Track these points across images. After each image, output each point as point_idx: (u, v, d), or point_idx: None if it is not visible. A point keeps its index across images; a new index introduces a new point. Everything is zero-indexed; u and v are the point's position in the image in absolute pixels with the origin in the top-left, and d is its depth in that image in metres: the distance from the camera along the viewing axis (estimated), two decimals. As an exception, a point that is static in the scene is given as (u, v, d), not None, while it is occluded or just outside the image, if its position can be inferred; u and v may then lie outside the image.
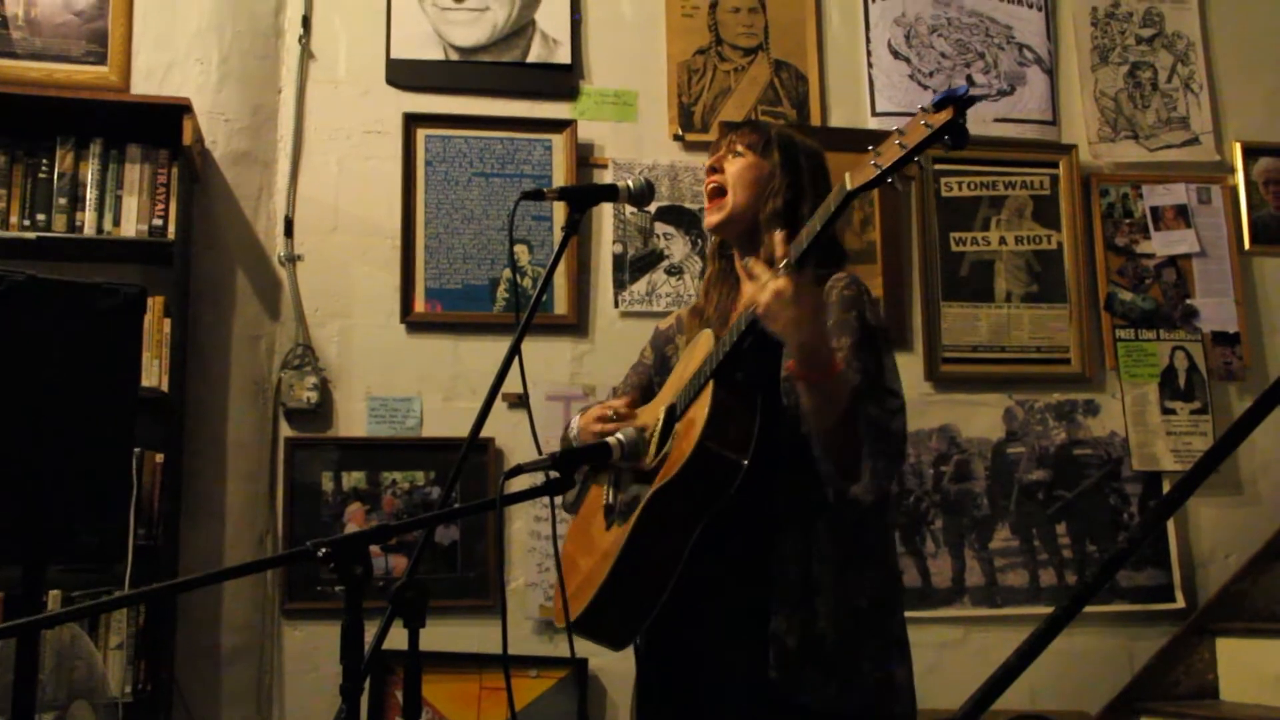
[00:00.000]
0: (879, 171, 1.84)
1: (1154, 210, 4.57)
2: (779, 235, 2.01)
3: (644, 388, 2.50)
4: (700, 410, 2.07)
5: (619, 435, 2.03)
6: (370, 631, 1.70)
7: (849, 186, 1.90)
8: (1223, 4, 4.79)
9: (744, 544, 2.13)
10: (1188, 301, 4.53)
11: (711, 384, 2.08)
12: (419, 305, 4.08)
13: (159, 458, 3.60)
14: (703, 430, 2.02)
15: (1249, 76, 4.77)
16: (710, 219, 2.34)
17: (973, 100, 1.76)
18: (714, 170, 2.34)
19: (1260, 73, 4.78)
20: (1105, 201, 4.54)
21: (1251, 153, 4.69)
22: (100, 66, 3.93)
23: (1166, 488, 4.38)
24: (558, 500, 2.37)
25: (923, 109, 1.80)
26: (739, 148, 2.33)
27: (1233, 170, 4.67)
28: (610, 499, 2.30)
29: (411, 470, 3.98)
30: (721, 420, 2.03)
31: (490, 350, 4.05)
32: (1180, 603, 4.29)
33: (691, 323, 2.43)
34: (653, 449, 2.19)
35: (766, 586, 2.10)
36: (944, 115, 1.76)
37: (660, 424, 2.21)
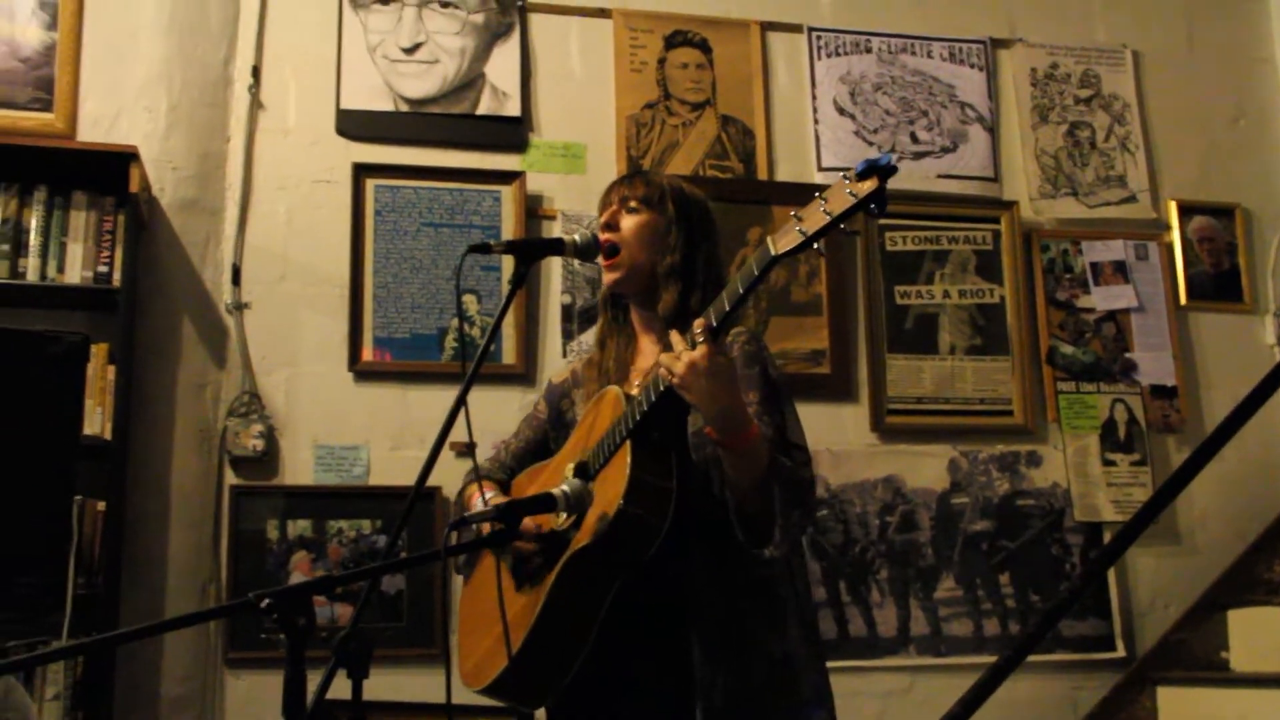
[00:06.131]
0: (804, 238, 1.83)
1: (1093, 266, 4.66)
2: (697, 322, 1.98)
3: (539, 442, 2.49)
4: (618, 472, 2.06)
5: (564, 486, 2.03)
6: (314, 681, 1.68)
7: (774, 251, 1.87)
8: (1156, 68, 4.91)
9: (661, 603, 2.13)
10: (1127, 355, 4.61)
11: (629, 445, 2.06)
12: (367, 354, 4.07)
13: (100, 506, 3.55)
14: (624, 493, 2.01)
15: (1183, 137, 4.88)
16: (609, 277, 2.33)
17: (894, 170, 1.75)
18: (609, 227, 2.33)
19: (1193, 133, 4.90)
20: (1046, 257, 4.63)
21: (1186, 211, 4.79)
22: (46, 113, 3.91)
23: (1107, 538, 4.43)
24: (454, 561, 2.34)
25: (845, 176, 1.78)
26: (633, 204, 2.33)
27: (1169, 228, 4.77)
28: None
29: (358, 519, 3.95)
30: (641, 483, 2.03)
31: (438, 399, 4.04)
32: (1121, 651, 4.33)
33: (588, 375, 2.42)
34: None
35: (687, 642, 2.09)
36: (868, 185, 1.74)
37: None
